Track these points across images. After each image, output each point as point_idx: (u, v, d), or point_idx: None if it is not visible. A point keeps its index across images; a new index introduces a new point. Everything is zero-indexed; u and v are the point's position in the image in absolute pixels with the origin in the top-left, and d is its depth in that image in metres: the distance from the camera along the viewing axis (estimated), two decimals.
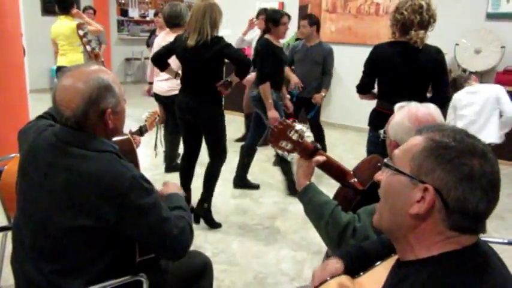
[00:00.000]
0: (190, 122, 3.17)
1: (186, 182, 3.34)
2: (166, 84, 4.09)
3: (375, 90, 2.93)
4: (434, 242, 0.84)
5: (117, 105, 1.39)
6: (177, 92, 3.66)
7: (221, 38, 2.99)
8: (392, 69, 2.70)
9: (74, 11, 4.70)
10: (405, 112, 1.50)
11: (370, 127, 2.84)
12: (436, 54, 2.69)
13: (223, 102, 3.32)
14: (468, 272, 0.81)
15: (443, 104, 2.80)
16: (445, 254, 0.83)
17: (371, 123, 2.84)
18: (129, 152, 1.71)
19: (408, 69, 2.65)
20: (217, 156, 3.25)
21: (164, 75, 3.96)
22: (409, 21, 2.58)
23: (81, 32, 2.18)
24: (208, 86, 3.02)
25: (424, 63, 2.64)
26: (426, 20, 2.59)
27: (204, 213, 3.31)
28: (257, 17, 4.93)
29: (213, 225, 3.31)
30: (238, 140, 5.54)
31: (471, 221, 0.82)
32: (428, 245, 0.85)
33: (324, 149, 4.84)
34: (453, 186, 0.81)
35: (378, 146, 2.65)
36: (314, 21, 4.36)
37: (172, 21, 3.86)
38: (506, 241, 2.19)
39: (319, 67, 4.43)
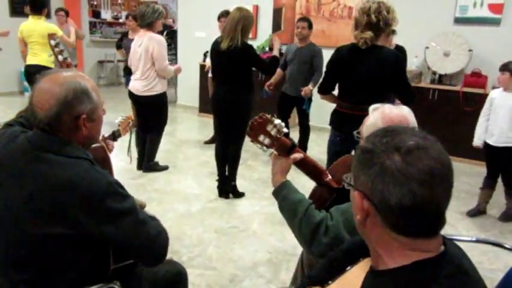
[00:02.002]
0: (224, 111, 3.70)
1: (222, 164, 3.89)
2: (142, 83, 4.11)
3: (336, 92, 2.97)
4: (397, 248, 0.85)
5: (93, 112, 1.36)
6: (153, 92, 4.11)
7: (250, 47, 3.49)
8: (344, 70, 2.78)
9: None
10: (379, 113, 1.53)
11: (330, 126, 2.92)
12: (386, 55, 2.66)
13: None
14: (441, 280, 0.81)
15: (411, 103, 2.71)
16: (417, 263, 0.83)
17: (330, 123, 2.92)
18: (102, 159, 1.68)
19: (356, 69, 2.70)
20: (240, 139, 3.75)
21: (138, 74, 4.11)
22: (359, 22, 2.64)
23: (52, 42, 2.13)
24: (239, 80, 3.56)
25: (370, 64, 2.64)
26: (374, 22, 2.57)
27: (232, 189, 3.90)
28: (219, 19, 4.97)
29: (240, 195, 3.95)
30: (207, 143, 5.54)
31: (407, 220, 0.80)
32: (391, 252, 0.86)
33: (305, 149, 4.93)
34: (372, 187, 0.81)
35: (337, 145, 2.83)
36: (312, 25, 4.78)
37: (140, 22, 4.08)
38: (474, 239, 2.26)
39: (307, 66, 4.68)
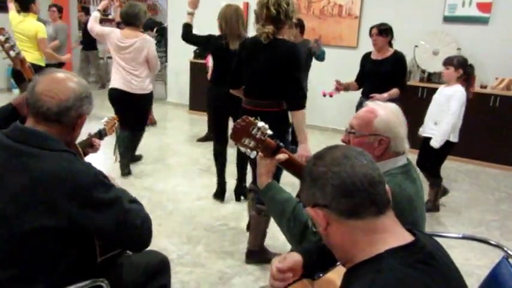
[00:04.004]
0: (225, 109, 3.68)
1: (223, 167, 3.85)
2: (133, 82, 4.09)
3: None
4: (362, 239, 0.93)
5: (88, 116, 1.45)
6: (146, 91, 4.15)
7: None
8: (246, 64, 2.67)
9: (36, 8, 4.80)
10: (391, 109, 1.56)
11: None
12: (284, 48, 2.53)
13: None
14: (413, 265, 0.86)
15: (297, 105, 2.59)
16: (389, 250, 0.90)
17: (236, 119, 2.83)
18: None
19: (255, 64, 2.60)
20: None
21: (128, 72, 4.07)
22: (259, 15, 2.55)
23: (1, 38, 2.02)
24: None
25: (270, 58, 2.54)
26: (274, 15, 2.48)
27: (243, 191, 3.81)
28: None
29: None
30: (200, 140, 5.54)
31: (350, 198, 0.93)
32: (359, 245, 0.93)
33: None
34: (314, 196, 0.97)
35: None
36: (296, 24, 4.52)
37: (130, 20, 4.03)
38: (460, 235, 2.28)
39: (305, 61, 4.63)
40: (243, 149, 1.49)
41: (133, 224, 1.38)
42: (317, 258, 1.23)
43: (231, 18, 3.44)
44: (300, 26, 4.75)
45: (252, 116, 2.66)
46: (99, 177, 1.34)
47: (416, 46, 5.56)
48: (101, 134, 2.16)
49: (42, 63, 4.89)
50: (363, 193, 0.92)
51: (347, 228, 0.94)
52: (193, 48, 6.70)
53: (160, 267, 1.73)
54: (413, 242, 0.92)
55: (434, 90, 5.47)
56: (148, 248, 1.49)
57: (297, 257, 1.24)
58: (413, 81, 5.66)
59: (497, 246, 1.67)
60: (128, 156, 4.36)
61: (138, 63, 4.06)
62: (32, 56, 4.73)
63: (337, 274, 1.07)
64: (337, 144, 1.07)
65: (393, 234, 0.93)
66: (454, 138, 3.57)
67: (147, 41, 4.08)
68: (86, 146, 1.99)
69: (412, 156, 1.77)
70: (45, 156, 1.29)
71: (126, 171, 4.29)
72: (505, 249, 1.57)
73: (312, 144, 4.82)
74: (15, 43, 2.10)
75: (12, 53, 2.06)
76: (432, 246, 0.95)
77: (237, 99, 3.43)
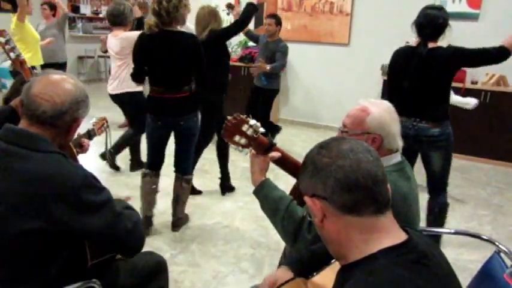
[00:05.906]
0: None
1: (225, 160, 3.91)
2: (115, 82, 4.07)
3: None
4: (357, 237, 0.92)
5: (82, 120, 1.42)
6: (125, 90, 4.03)
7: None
8: (146, 56, 2.85)
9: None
10: (384, 106, 1.55)
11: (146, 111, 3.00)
12: (182, 39, 2.78)
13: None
14: (404, 265, 0.86)
15: (203, 84, 2.94)
16: (382, 250, 0.89)
17: (146, 108, 3.01)
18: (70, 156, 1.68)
19: (155, 55, 2.79)
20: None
21: (112, 73, 4.09)
22: (153, 10, 2.77)
23: (2, 40, 2.03)
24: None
25: (166, 48, 2.76)
26: (156, 11, 2.71)
27: (226, 185, 3.95)
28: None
29: (232, 189, 4.01)
30: None
31: (351, 194, 0.91)
32: (354, 242, 0.92)
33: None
34: (314, 186, 0.96)
35: (150, 128, 2.96)
36: (279, 22, 4.77)
37: (115, 19, 3.91)
38: (453, 231, 2.30)
39: (272, 61, 4.68)
40: (234, 147, 1.49)
41: (124, 227, 1.36)
42: (309, 265, 1.23)
43: (203, 18, 3.48)
44: (280, 24, 4.80)
45: (167, 103, 2.81)
46: (89, 179, 1.31)
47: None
48: (89, 135, 2.15)
49: (36, 63, 4.92)
50: (365, 190, 0.91)
51: (343, 223, 0.92)
52: None
53: (157, 269, 1.71)
54: (405, 241, 0.91)
55: None
56: (143, 249, 1.48)
57: (287, 275, 1.24)
58: None
59: (489, 241, 1.68)
60: (117, 151, 4.22)
61: (122, 62, 4.00)
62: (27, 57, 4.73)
63: (331, 271, 1.06)
64: (345, 137, 1.05)
65: (389, 234, 0.91)
66: None
67: (125, 38, 3.89)
68: (75, 146, 1.98)
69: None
70: (34, 157, 1.27)
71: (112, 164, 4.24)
72: (497, 244, 1.58)
73: (305, 141, 4.82)
74: (16, 45, 2.10)
75: (12, 55, 2.07)
76: (425, 245, 0.94)
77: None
